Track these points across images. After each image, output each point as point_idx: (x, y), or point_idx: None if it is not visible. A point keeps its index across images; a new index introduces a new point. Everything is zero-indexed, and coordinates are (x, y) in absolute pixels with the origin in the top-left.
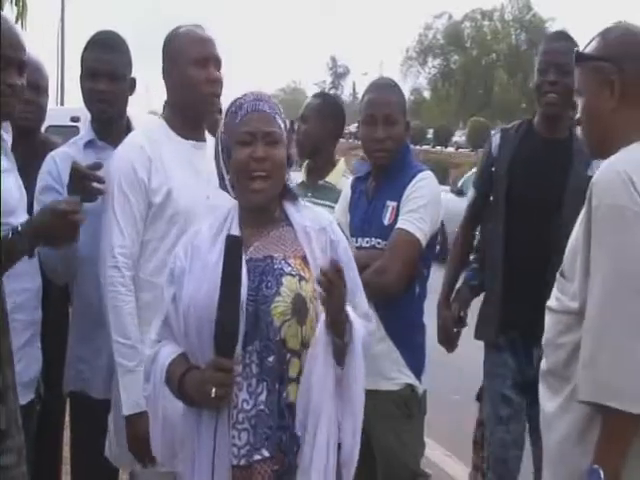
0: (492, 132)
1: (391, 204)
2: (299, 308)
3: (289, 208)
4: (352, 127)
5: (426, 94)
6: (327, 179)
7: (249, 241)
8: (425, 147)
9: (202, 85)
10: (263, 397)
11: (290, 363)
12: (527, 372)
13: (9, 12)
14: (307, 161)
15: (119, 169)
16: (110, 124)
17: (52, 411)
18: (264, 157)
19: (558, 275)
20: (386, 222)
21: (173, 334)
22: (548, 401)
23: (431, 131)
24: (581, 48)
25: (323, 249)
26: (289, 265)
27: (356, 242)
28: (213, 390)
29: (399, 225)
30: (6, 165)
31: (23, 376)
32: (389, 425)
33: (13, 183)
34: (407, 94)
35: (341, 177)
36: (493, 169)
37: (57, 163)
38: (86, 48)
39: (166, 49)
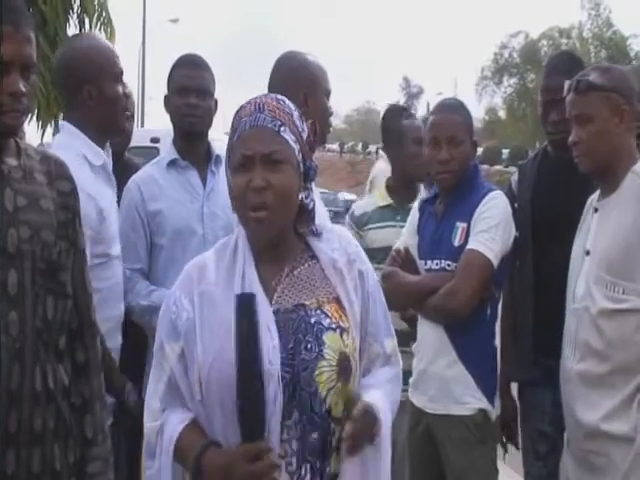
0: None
1: (461, 225)
2: (344, 368)
3: (309, 235)
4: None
5: (501, 113)
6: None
7: (270, 284)
8: (497, 167)
9: None
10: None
11: (334, 435)
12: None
13: None
14: (386, 183)
15: None
16: (195, 141)
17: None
18: (263, 187)
19: (604, 275)
20: (456, 243)
21: (181, 398)
22: (606, 400)
23: (506, 151)
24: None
25: (355, 286)
26: (327, 316)
27: (425, 264)
28: None
29: (470, 246)
30: (112, 196)
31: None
32: (461, 450)
33: (115, 214)
34: (482, 114)
35: None
36: (516, 205)
37: (141, 190)
38: (174, 68)
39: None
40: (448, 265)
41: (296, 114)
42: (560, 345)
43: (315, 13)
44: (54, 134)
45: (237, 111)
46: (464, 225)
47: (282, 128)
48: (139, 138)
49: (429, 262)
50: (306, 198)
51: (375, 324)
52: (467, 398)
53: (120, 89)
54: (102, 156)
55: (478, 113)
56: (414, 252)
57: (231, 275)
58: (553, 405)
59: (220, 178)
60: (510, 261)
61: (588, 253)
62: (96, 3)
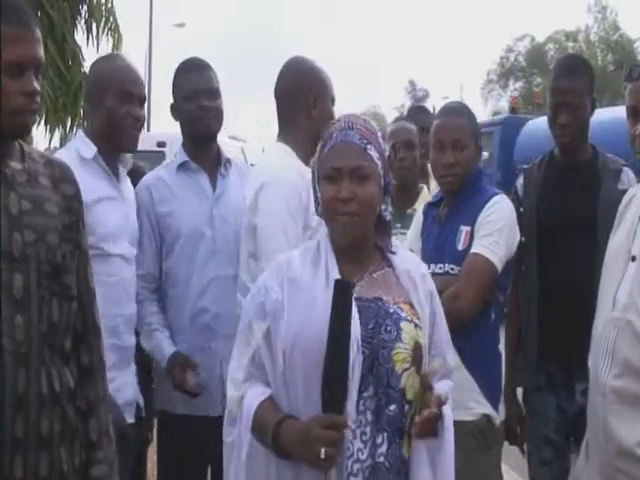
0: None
1: (465, 229)
2: (418, 357)
3: (386, 250)
4: None
5: None
6: (415, 207)
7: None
8: None
9: None
10: (383, 449)
11: (406, 417)
12: (568, 410)
13: (105, 43)
14: None
15: (284, 193)
16: (206, 145)
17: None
18: (350, 198)
19: None
20: (460, 247)
21: (263, 373)
22: None
23: None
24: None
25: (426, 297)
26: (402, 310)
27: (429, 268)
28: (323, 450)
29: (474, 250)
30: (111, 193)
31: (117, 398)
32: (465, 456)
33: (114, 211)
34: (488, 117)
35: None
36: (521, 209)
37: (151, 192)
38: (179, 74)
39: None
40: (452, 269)
41: (379, 134)
42: (564, 350)
43: (319, 17)
44: (61, 138)
45: (328, 127)
46: (468, 229)
47: (368, 146)
48: (145, 142)
49: (432, 266)
50: (384, 211)
51: (439, 339)
52: (471, 403)
53: (130, 110)
54: (92, 149)
55: (484, 117)
56: (418, 256)
57: (315, 266)
58: (557, 411)
59: (230, 182)
60: (514, 265)
61: (634, 259)
62: (103, 9)
